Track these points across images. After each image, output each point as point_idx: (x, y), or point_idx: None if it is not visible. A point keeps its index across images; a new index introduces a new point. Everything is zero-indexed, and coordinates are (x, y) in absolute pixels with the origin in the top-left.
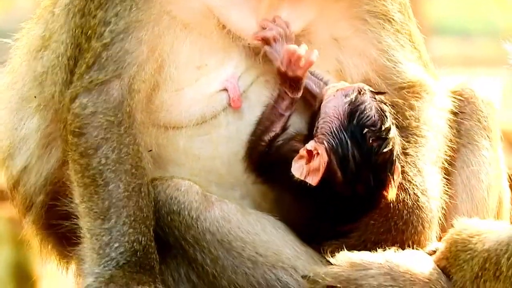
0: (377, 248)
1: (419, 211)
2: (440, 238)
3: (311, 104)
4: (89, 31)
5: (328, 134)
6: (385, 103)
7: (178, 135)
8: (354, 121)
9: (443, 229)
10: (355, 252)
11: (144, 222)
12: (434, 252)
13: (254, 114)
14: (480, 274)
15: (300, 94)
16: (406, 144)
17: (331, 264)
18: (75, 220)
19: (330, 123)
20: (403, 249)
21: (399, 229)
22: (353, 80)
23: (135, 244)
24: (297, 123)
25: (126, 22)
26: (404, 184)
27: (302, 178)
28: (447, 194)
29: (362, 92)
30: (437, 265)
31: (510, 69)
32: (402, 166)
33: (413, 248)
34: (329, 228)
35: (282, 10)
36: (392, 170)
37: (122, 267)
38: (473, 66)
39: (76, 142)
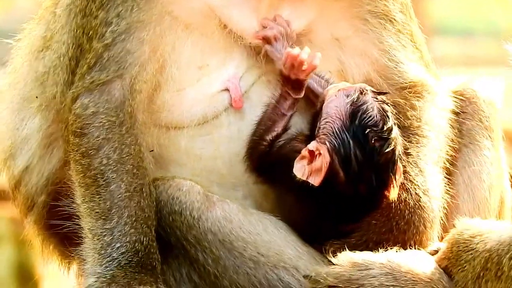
0: (379, 248)
1: (420, 211)
2: (442, 238)
3: (313, 104)
4: (91, 32)
5: (330, 134)
6: (387, 103)
7: (180, 135)
8: (356, 121)
9: (445, 229)
10: (357, 252)
11: (145, 222)
12: (436, 252)
13: (256, 114)
14: (481, 274)
15: (302, 94)
16: (408, 144)
17: (333, 264)
18: (77, 220)
19: (332, 123)
20: (404, 249)
21: (400, 229)
22: (355, 80)
23: (136, 244)
24: (298, 123)
25: (127, 23)
26: (406, 184)
27: (304, 179)
28: (448, 194)
29: (364, 92)
30: (439, 265)
31: (511, 70)
32: (404, 166)
33: (414, 248)
34: (331, 228)
35: (282, 10)
36: (394, 170)
37: (124, 267)
38: (474, 66)
39: (77, 142)
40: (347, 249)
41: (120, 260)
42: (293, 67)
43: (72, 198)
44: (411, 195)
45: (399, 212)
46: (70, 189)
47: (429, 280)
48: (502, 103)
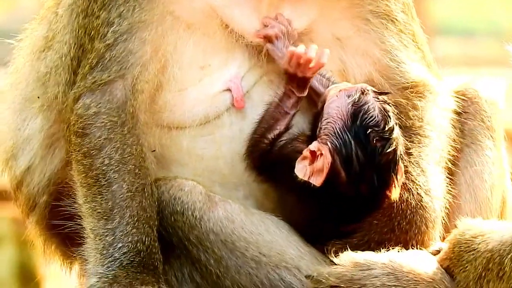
0: (381, 248)
1: (422, 211)
2: (444, 238)
3: (314, 103)
4: (92, 32)
5: (331, 134)
6: (388, 103)
7: (182, 135)
8: (358, 122)
9: (447, 229)
10: (359, 252)
11: (147, 222)
12: (438, 252)
13: (258, 114)
14: (483, 274)
15: (306, 92)
16: (410, 144)
17: (335, 264)
18: (79, 220)
19: (333, 123)
20: (406, 249)
21: (402, 229)
22: (356, 80)
23: (138, 244)
24: (300, 123)
25: (129, 23)
26: (408, 184)
27: (306, 179)
28: (450, 194)
29: (365, 93)
30: (441, 265)
31: None
32: (406, 166)
33: (416, 248)
34: (333, 228)
35: (283, 9)
36: (396, 170)
37: (126, 267)
38: (476, 66)
39: (79, 143)
40: (349, 249)
41: (122, 260)
42: (299, 65)
43: (74, 198)
44: (412, 195)
45: (401, 212)
46: (72, 189)
47: (431, 280)
48: (504, 103)
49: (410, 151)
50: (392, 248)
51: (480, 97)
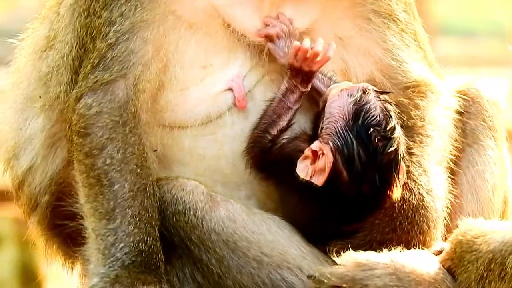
0: (383, 248)
1: (424, 211)
2: (446, 238)
3: (316, 103)
4: (94, 31)
5: (333, 134)
6: (389, 103)
7: (183, 134)
8: (359, 121)
9: (449, 229)
10: (361, 252)
11: (149, 222)
12: (440, 252)
13: (259, 114)
14: (485, 275)
15: (310, 87)
16: (411, 143)
17: (337, 264)
18: (80, 220)
19: (335, 123)
20: (408, 249)
21: (404, 228)
22: (358, 80)
23: (140, 244)
24: (301, 123)
25: (131, 22)
26: (409, 184)
27: (308, 179)
28: (452, 193)
29: (366, 92)
30: (442, 266)
31: None
32: (407, 166)
33: (418, 248)
34: (335, 228)
35: (285, 8)
36: (397, 169)
37: (128, 267)
38: (477, 66)
39: (81, 142)
40: (350, 249)
41: (123, 260)
42: (306, 59)
43: (75, 198)
44: (414, 194)
45: (402, 212)
46: (73, 189)
47: (433, 281)
48: (506, 103)
49: (411, 150)
50: (394, 248)
51: (482, 97)
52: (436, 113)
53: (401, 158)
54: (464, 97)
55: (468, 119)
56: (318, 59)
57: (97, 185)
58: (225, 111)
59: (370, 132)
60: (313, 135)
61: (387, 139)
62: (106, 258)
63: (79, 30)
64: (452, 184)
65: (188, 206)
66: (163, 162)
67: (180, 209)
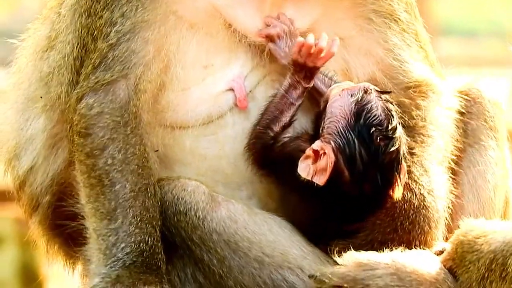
0: (384, 248)
1: (425, 211)
2: (447, 238)
3: (317, 102)
4: (95, 32)
5: (334, 133)
6: (391, 102)
7: (185, 135)
8: (361, 121)
9: (450, 229)
10: (362, 252)
11: (150, 223)
12: (441, 252)
13: (261, 112)
14: (486, 275)
15: (312, 83)
16: (413, 143)
17: (338, 264)
18: (82, 220)
19: (336, 122)
20: (409, 249)
21: (405, 229)
22: (360, 80)
23: (141, 244)
24: (302, 122)
25: (132, 22)
26: (411, 184)
27: (309, 178)
28: (453, 194)
29: (368, 92)
30: (444, 266)
31: None
32: (409, 166)
33: (419, 248)
34: (336, 228)
35: (286, 8)
36: (399, 169)
37: (129, 267)
38: (479, 66)
39: (82, 143)
40: (352, 249)
41: (125, 260)
42: (310, 55)
43: (76, 198)
44: (415, 195)
45: (403, 212)
46: (74, 189)
47: (434, 281)
48: (507, 103)
49: (413, 150)
50: (395, 248)
51: (483, 97)
52: (438, 113)
53: (403, 158)
54: (466, 97)
55: (470, 119)
56: (322, 55)
57: (98, 186)
58: (226, 111)
59: (372, 132)
60: (314, 135)
61: (389, 138)
62: (107, 258)
63: (80, 30)
64: (453, 184)
65: (189, 206)
66: (165, 162)
67: (181, 209)
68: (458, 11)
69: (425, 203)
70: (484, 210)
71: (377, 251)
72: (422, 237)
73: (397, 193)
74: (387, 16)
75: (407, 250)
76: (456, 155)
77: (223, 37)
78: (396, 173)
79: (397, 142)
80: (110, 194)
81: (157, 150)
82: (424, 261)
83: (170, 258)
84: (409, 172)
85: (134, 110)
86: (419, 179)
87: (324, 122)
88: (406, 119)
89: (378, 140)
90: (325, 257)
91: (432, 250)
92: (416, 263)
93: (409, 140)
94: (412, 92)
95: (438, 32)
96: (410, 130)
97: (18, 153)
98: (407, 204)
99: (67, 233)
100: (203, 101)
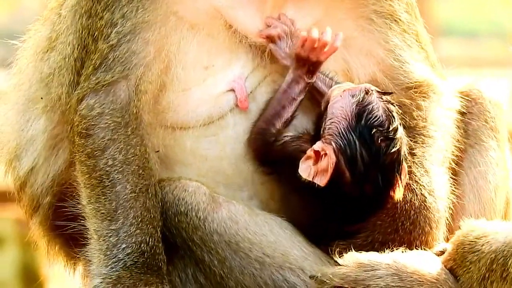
0: (385, 249)
1: (426, 212)
2: (448, 238)
3: (318, 103)
4: (96, 33)
5: (335, 134)
6: (392, 103)
7: (185, 135)
8: (362, 122)
9: (451, 230)
10: (363, 252)
11: (151, 223)
12: (442, 252)
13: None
14: (487, 275)
15: (315, 78)
16: (413, 144)
17: (339, 264)
18: (82, 221)
19: (337, 123)
20: (410, 249)
21: (406, 229)
22: (360, 80)
23: (142, 245)
24: (303, 123)
25: (132, 23)
26: (411, 185)
27: (310, 179)
28: (454, 194)
29: (369, 93)
30: (445, 266)
31: None
32: (409, 167)
33: (420, 249)
34: (337, 229)
35: (287, 9)
36: (400, 170)
37: (130, 268)
38: (479, 67)
39: (83, 143)
40: (353, 250)
41: (125, 261)
42: (313, 49)
43: (77, 199)
44: (416, 195)
45: (404, 212)
46: (75, 190)
47: (435, 281)
48: (508, 104)
49: (414, 151)
50: (396, 249)
51: (484, 97)
52: (438, 114)
53: (403, 159)
54: (466, 97)
55: (470, 119)
56: (325, 49)
57: (99, 186)
58: (227, 112)
59: (373, 133)
60: (315, 136)
61: (390, 139)
62: (108, 259)
63: (80, 31)
64: (454, 185)
65: (190, 207)
66: (165, 163)
67: (182, 210)
68: (458, 12)
69: (426, 203)
70: (485, 211)
71: (378, 251)
72: (423, 238)
73: (398, 194)
74: (388, 16)
75: (408, 250)
76: (457, 156)
77: (224, 37)
78: (397, 174)
79: (398, 143)
80: (111, 195)
81: (157, 151)
82: (425, 262)
83: (171, 259)
84: (410, 172)
85: (134, 111)
86: (420, 180)
87: (325, 123)
88: (407, 119)
89: (379, 141)
90: (326, 258)
91: (433, 250)
92: (417, 263)
93: (410, 140)
94: (413, 93)
95: (438, 33)
96: (411, 130)
97: (19, 154)
98: (408, 204)
99: (68, 234)
100: (203, 102)
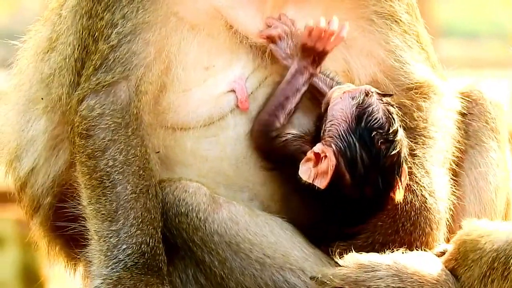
0: (385, 250)
1: (426, 213)
2: (448, 239)
3: (318, 103)
4: (96, 33)
5: (336, 136)
6: (392, 105)
7: (186, 136)
8: (362, 124)
9: (451, 231)
10: (363, 253)
11: (151, 224)
12: (443, 253)
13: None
14: (488, 273)
15: (319, 70)
16: (414, 145)
17: (339, 265)
18: (83, 222)
19: (337, 125)
20: (411, 250)
21: (406, 230)
22: (361, 81)
23: (142, 246)
24: (304, 124)
25: (133, 24)
26: (412, 186)
27: (310, 181)
28: (454, 195)
29: (369, 95)
30: (445, 267)
31: None
32: (410, 168)
33: (421, 250)
34: (337, 230)
35: (288, 9)
36: (400, 172)
37: (130, 269)
38: (480, 67)
39: (83, 144)
40: (353, 251)
41: (126, 261)
42: (320, 39)
43: (78, 199)
44: (417, 196)
45: (405, 213)
46: (76, 190)
47: (435, 282)
48: (508, 105)
49: (414, 152)
50: (397, 250)
51: (484, 98)
52: (439, 115)
53: (404, 161)
54: (467, 98)
55: (471, 120)
56: (332, 39)
57: (100, 187)
58: (227, 112)
59: (373, 135)
60: (316, 137)
61: (390, 141)
62: (108, 259)
63: (81, 32)
64: (454, 186)
65: (190, 207)
66: (166, 164)
67: (182, 210)
68: (459, 13)
69: (426, 204)
70: (485, 212)
71: (378, 252)
72: (424, 239)
73: (398, 195)
74: (389, 17)
75: (408, 251)
76: (457, 157)
77: (224, 38)
78: (397, 176)
79: (398, 145)
80: (111, 196)
81: (158, 152)
82: (425, 263)
83: (171, 260)
84: (411, 173)
85: (135, 112)
86: (420, 181)
87: (325, 125)
88: (407, 120)
89: (379, 143)
90: (327, 259)
91: (433, 251)
92: (417, 264)
93: (410, 141)
94: (414, 94)
95: (439, 34)
96: (412, 131)
97: (19, 155)
98: (409, 205)
99: (68, 235)
100: (204, 103)
